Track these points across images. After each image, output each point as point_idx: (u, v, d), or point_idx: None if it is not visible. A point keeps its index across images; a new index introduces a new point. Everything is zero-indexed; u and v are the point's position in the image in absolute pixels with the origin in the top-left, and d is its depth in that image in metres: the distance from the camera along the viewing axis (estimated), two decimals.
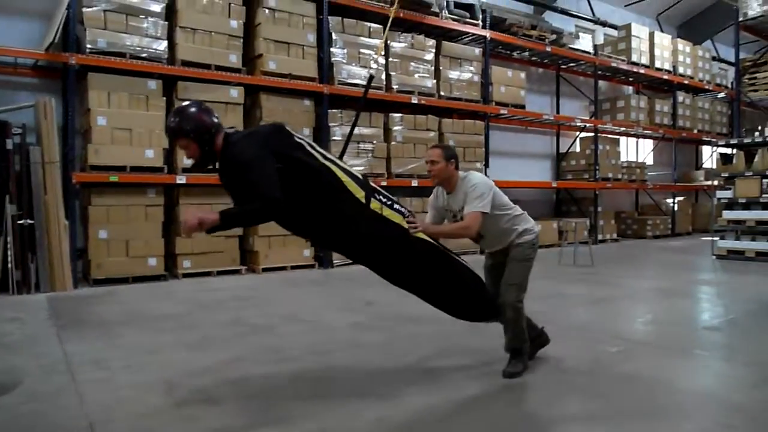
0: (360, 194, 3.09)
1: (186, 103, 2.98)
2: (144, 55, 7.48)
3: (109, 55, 7.25)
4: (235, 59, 8.19)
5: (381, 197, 3.20)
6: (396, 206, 3.25)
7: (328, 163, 3.03)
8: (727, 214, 9.68)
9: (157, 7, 7.63)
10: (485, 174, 10.88)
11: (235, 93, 8.21)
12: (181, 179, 7.65)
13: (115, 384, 3.38)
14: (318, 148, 3.11)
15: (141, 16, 7.49)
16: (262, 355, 3.97)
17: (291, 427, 2.76)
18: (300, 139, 3.05)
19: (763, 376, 3.47)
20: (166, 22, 7.74)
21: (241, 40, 8.33)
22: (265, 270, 8.30)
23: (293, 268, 8.57)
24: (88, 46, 7.13)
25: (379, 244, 3.17)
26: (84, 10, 7.15)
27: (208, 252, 8.01)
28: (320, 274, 8.36)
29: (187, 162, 7.67)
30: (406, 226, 3.21)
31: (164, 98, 7.71)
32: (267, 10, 8.46)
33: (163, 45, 7.64)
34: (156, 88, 7.64)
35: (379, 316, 5.35)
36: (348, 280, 7.76)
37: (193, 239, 7.81)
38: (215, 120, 2.91)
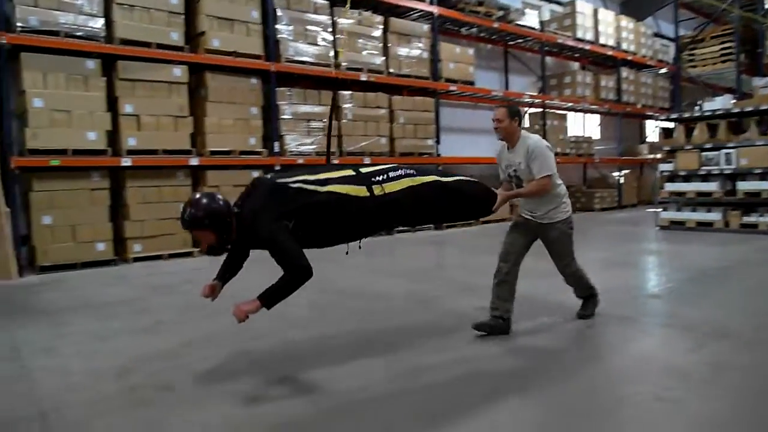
0: (363, 192, 3.31)
1: (196, 196, 3.11)
2: (80, 33, 7.17)
3: (43, 33, 6.92)
4: (176, 37, 7.95)
5: (378, 178, 3.41)
6: (391, 174, 3.46)
7: (328, 188, 3.23)
8: (669, 186, 10.07)
9: None
10: (437, 152, 11.02)
11: (179, 72, 7.99)
12: (126, 161, 7.43)
13: (66, 371, 3.31)
14: (312, 179, 3.25)
15: None
16: (216, 338, 3.95)
17: (246, 408, 2.77)
18: (295, 183, 3.19)
19: (699, 340, 3.66)
20: None
21: (183, 17, 8.07)
22: None
23: None
24: (19, 24, 6.79)
25: (393, 215, 3.48)
26: None
27: (159, 235, 7.83)
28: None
29: (132, 143, 7.48)
30: (407, 184, 3.43)
31: (104, 78, 7.43)
32: None
33: (99, 23, 7.33)
34: (95, 67, 7.35)
35: (335, 292, 5.37)
36: None
37: (141, 222, 7.65)
38: (229, 207, 3.07)
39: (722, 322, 4.03)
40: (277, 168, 8.84)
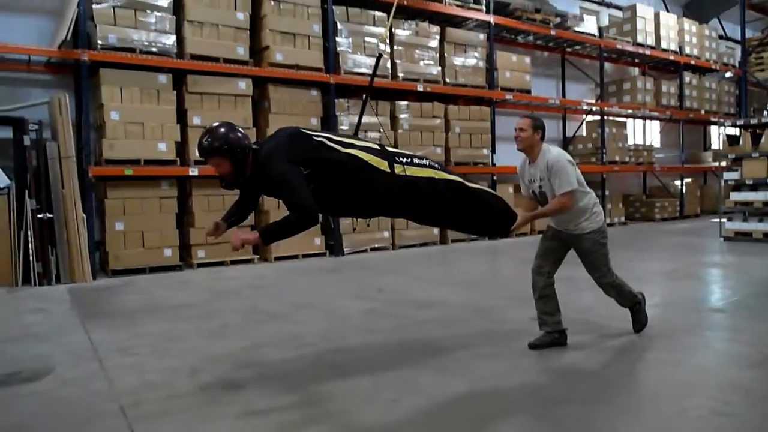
0: (384, 165, 3.30)
1: (216, 123, 3.13)
2: (153, 49, 7.60)
3: (120, 50, 7.39)
4: (242, 51, 8.30)
5: (402, 159, 3.42)
6: (416, 161, 3.48)
7: (349, 150, 3.22)
8: (735, 196, 9.72)
9: (164, 2, 7.74)
10: (492, 161, 11.01)
11: (243, 85, 8.33)
12: (193, 171, 7.80)
13: (141, 369, 3.55)
14: (337, 138, 3.27)
15: (149, 11, 7.60)
16: (280, 342, 4.13)
17: (311, 408, 2.91)
18: (318, 137, 3.21)
19: (762, 356, 3.58)
20: (174, 17, 7.85)
21: (248, 33, 8.43)
22: (277, 259, 8.46)
23: (305, 256, 8.73)
24: (99, 42, 7.26)
25: (408, 201, 3.42)
26: (94, 6, 7.28)
27: (222, 242, 8.14)
28: (331, 262, 8.52)
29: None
30: (430, 174, 3.44)
31: (174, 92, 7.84)
32: (272, 2, 8.55)
33: (171, 39, 7.75)
34: (166, 81, 7.77)
35: (391, 301, 5.49)
36: (359, 267, 7.92)
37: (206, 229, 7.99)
38: (247, 140, 3.09)
39: None
40: None
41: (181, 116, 7.95)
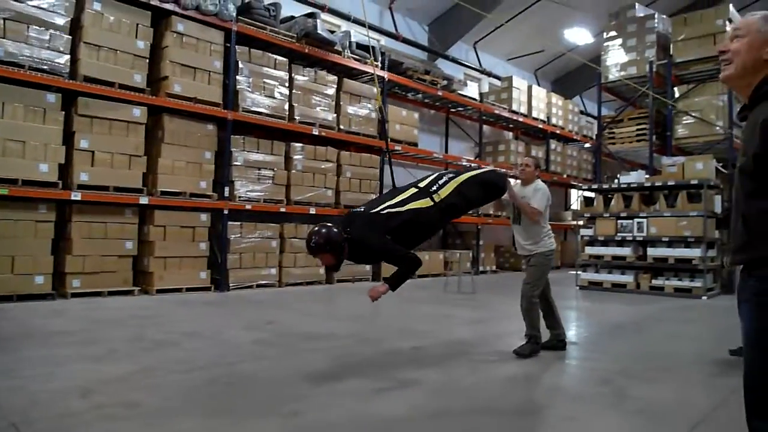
0: (428, 203, 4.20)
1: (316, 228, 3.93)
2: (45, 67, 7.34)
3: (7, 64, 7.06)
4: (139, 79, 8.24)
5: (434, 188, 4.29)
6: (440, 182, 4.34)
7: (407, 207, 4.12)
8: (589, 250, 10.98)
9: (61, 21, 7.55)
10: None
11: (138, 112, 8.23)
12: (76, 195, 7.51)
13: (28, 390, 3.42)
14: (394, 202, 4.15)
15: (43, 28, 7.37)
16: (172, 366, 4.15)
17: (211, 419, 3.03)
18: (383, 209, 4.09)
19: (607, 376, 4.23)
20: (70, 37, 7.66)
21: (147, 61, 8.39)
22: (159, 291, 8.25)
23: (188, 290, 8.58)
24: None
25: (451, 213, 4.44)
26: None
27: (100, 272, 7.85)
28: (217, 297, 8.45)
29: (84, 178, 7.55)
30: (453, 186, 4.30)
31: (63, 112, 7.58)
32: (175, 34, 8.61)
33: (64, 59, 7.53)
34: (55, 101, 7.50)
35: (280, 333, 5.65)
36: (246, 302, 7.95)
37: (83, 257, 7.68)
38: (342, 235, 3.89)
39: (627, 364, 4.63)
40: (226, 212, 9.11)
41: (68, 138, 7.67)
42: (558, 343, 5.03)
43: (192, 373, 3.98)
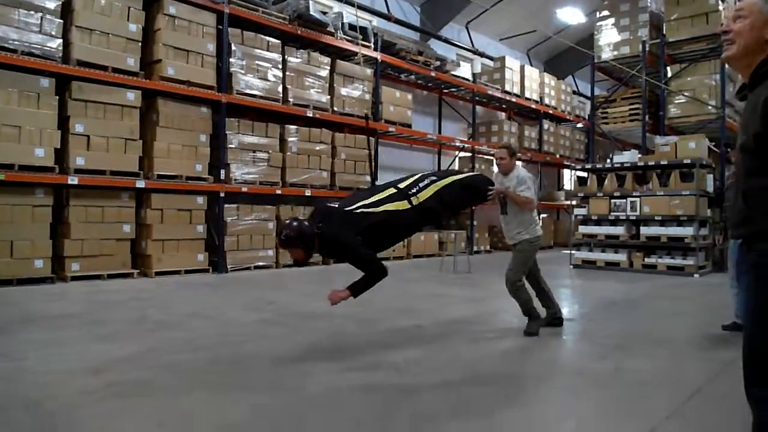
0: (405, 205, 4.21)
1: (287, 221, 3.99)
2: (37, 52, 7.29)
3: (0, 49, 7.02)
4: (132, 62, 8.19)
5: (413, 191, 4.28)
6: (420, 185, 4.34)
7: (382, 208, 4.12)
8: (583, 229, 11.10)
9: (52, 5, 7.48)
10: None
11: (132, 96, 8.21)
12: (72, 180, 7.51)
13: (39, 371, 3.49)
14: (368, 202, 4.14)
15: (33, 12, 7.31)
16: (177, 346, 4.22)
17: (220, 395, 3.12)
18: (357, 208, 4.08)
19: (604, 351, 4.34)
20: (61, 21, 7.60)
21: (140, 44, 8.34)
22: (158, 274, 8.30)
23: (187, 272, 8.64)
24: None
25: (429, 217, 4.45)
26: None
27: (98, 255, 7.89)
28: (216, 278, 8.52)
29: (80, 163, 7.58)
30: (434, 190, 4.31)
31: (57, 97, 7.55)
32: (167, 17, 8.55)
33: (57, 43, 7.48)
34: (48, 86, 7.47)
35: (281, 313, 5.74)
36: (245, 283, 8.02)
37: (82, 241, 7.72)
38: (313, 230, 3.90)
39: (622, 339, 4.75)
40: (222, 194, 9.13)
41: (63, 122, 7.65)
42: (554, 320, 5.13)
43: (197, 353, 4.05)
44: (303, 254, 3.95)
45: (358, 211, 4.08)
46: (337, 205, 4.23)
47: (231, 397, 3.11)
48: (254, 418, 2.85)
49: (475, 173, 5.21)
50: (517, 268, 4.84)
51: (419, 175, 4.52)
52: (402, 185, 4.33)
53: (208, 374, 3.55)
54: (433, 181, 4.37)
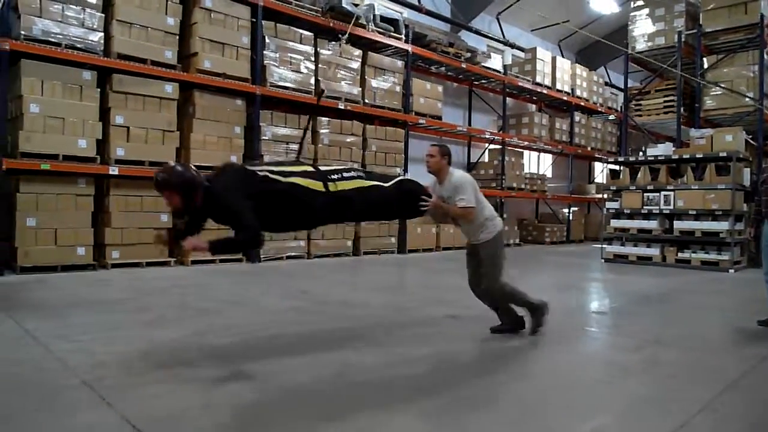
0: (319, 186, 3.81)
1: (170, 163, 3.62)
2: (79, 45, 7.52)
3: (44, 43, 7.25)
4: (170, 55, 8.38)
5: (334, 176, 3.93)
6: (345, 174, 4.01)
7: (290, 179, 3.72)
8: (615, 223, 11.00)
9: None
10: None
11: (170, 89, 8.40)
12: (113, 170, 7.74)
13: (91, 352, 3.66)
14: (277, 170, 3.75)
15: (77, 6, 7.53)
16: (219, 331, 4.37)
17: (264, 379, 3.24)
18: (262, 171, 3.69)
19: (638, 344, 4.35)
20: (103, 15, 7.81)
21: (177, 38, 8.52)
22: (194, 263, 8.51)
23: (222, 261, 8.83)
24: (22, 32, 7.10)
25: (344, 209, 3.98)
26: None
27: (138, 243, 8.11)
28: (249, 267, 8.70)
29: (120, 153, 7.78)
30: (358, 184, 3.97)
31: (98, 89, 7.78)
32: (203, 10, 8.72)
33: (98, 36, 7.70)
34: (91, 78, 7.69)
35: (316, 301, 5.86)
36: (278, 273, 8.18)
37: (122, 230, 7.96)
38: (198, 178, 3.50)
39: (656, 333, 4.76)
40: None
41: (104, 114, 7.88)
42: (515, 326, 4.56)
43: (238, 337, 4.19)
44: (179, 202, 3.47)
45: (262, 174, 3.65)
46: (240, 164, 3.96)
47: (271, 382, 3.23)
48: (290, 398, 2.96)
49: (405, 178, 4.68)
50: (492, 272, 4.34)
51: (345, 166, 4.22)
52: (322, 168, 4.00)
53: (247, 358, 3.67)
54: (359, 177, 4.05)
